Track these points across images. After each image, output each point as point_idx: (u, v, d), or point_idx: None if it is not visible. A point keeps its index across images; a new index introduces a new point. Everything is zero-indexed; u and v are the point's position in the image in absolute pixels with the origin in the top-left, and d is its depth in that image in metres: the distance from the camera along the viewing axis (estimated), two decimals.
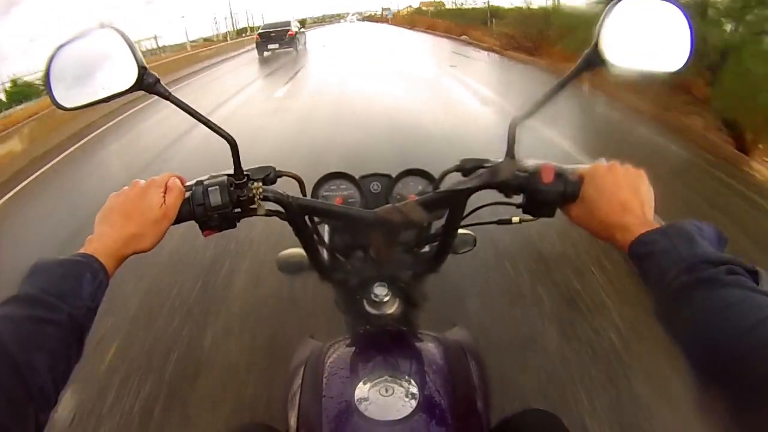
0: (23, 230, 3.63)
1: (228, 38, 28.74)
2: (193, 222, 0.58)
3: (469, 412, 0.61)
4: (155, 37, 23.44)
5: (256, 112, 6.35)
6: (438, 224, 0.71)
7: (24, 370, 0.36)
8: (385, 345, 0.69)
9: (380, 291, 0.70)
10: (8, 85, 14.46)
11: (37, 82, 13.05)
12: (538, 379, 1.56)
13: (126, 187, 0.55)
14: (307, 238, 0.68)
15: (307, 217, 0.67)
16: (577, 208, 0.54)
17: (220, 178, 0.58)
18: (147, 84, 0.54)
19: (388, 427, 0.53)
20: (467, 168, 0.63)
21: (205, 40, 28.92)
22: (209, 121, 0.57)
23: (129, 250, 0.51)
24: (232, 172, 0.60)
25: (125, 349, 1.90)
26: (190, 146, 4.89)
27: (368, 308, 0.72)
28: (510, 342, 1.72)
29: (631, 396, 1.49)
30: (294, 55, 14.45)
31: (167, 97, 0.55)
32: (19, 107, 11.33)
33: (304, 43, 17.05)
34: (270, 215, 0.62)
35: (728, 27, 4.01)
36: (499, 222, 0.68)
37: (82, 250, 0.48)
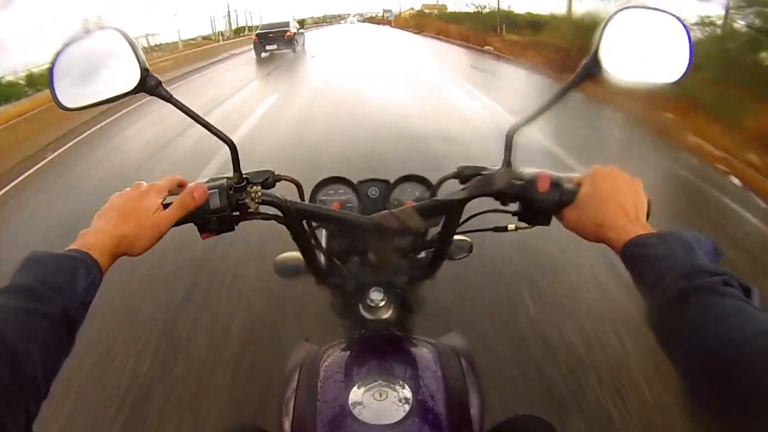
0: None
1: (222, 38, 27.19)
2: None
3: (462, 418, 0.61)
4: (147, 36, 22.26)
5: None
6: (434, 230, 0.71)
7: (20, 359, 0.36)
8: (380, 349, 0.69)
9: (376, 296, 0.70)
10: None
11: (21, 82, 12.36)
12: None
13: (128, 188, 0.55)
14: (304, 242, 0.69)
15: (305, 222, 0.67)
16: (572, 212, 0.55)
17: (219, 181, 0.58)
18: (149, 86, 0.54)
19: (382, 431, 0.54)
20: (465, 175, 0.64)
21: (204, 38, 28.43)
22: (209, 124, 0.58)
23: (121, 250, 0.51)
24: (231, 175, 0.60)
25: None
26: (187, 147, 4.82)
27: (364, 313, 0.72)
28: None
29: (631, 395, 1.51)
30: (291, 56, 14.16)
31: (169, 99, 0.55)
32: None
33: (303, 45, 16.84)
34: (268, 219, 0.62)
35: None
36: (495, 229, 0.69)
37: (74, 245, 0.47)
